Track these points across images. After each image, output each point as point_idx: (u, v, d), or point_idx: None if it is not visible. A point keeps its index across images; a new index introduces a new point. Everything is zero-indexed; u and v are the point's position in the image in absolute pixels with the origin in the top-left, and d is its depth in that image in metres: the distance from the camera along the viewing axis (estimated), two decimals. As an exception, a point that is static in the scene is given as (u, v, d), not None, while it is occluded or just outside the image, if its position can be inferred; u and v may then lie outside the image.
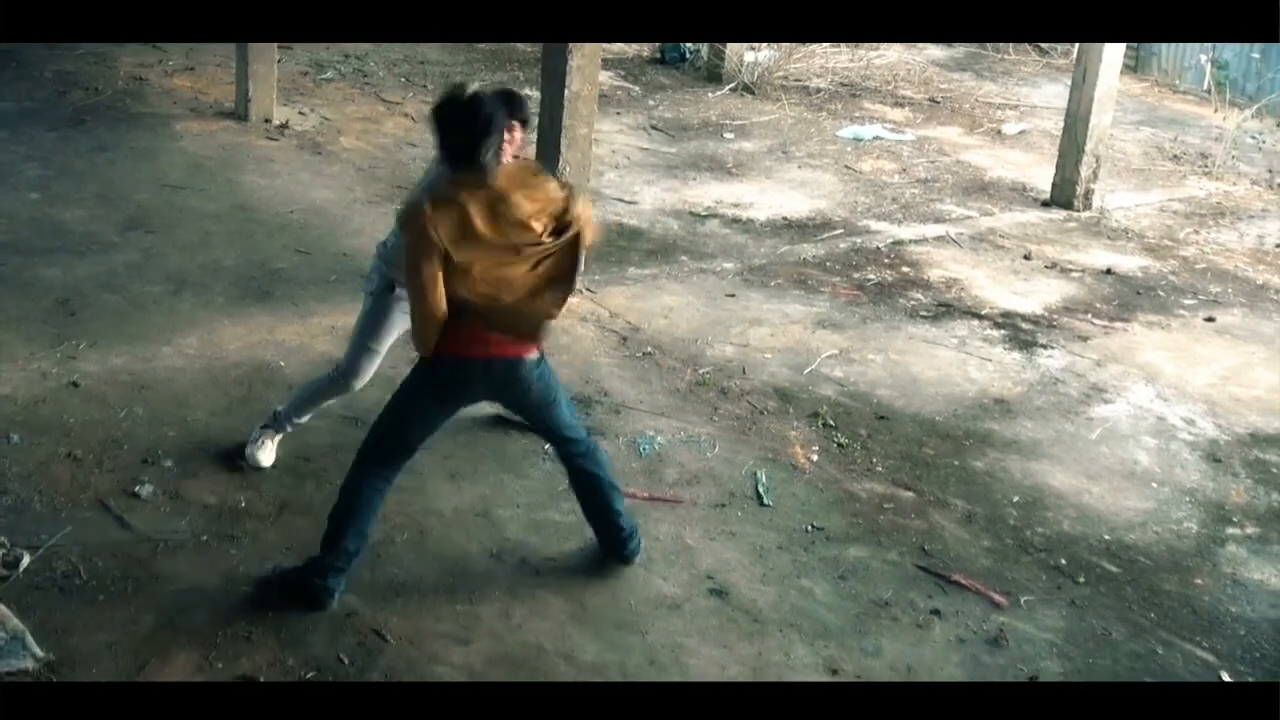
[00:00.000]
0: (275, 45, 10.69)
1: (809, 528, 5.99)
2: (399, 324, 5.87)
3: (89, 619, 4.95)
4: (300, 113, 10.98)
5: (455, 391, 5.17)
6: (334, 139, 10.44)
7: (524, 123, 5.52)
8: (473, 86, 4.95)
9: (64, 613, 4.96)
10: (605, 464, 5.52)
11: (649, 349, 7.50)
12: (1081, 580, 5.80)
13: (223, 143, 10.16)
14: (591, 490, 5.48)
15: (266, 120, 10.62)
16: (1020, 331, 8.23)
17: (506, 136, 5.25)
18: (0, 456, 5.87)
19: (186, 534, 5.50)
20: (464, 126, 4.79)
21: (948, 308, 8.48)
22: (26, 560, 5.17)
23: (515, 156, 5.39)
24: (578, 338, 7.50)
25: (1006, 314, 8.48)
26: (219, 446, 6.13)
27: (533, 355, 5.10)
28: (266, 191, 9.30)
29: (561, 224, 4.94)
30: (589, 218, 5.05)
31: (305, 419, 6.10)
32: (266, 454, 6.03)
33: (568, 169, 7.69)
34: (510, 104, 5.41)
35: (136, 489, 5.73)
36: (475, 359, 5.02)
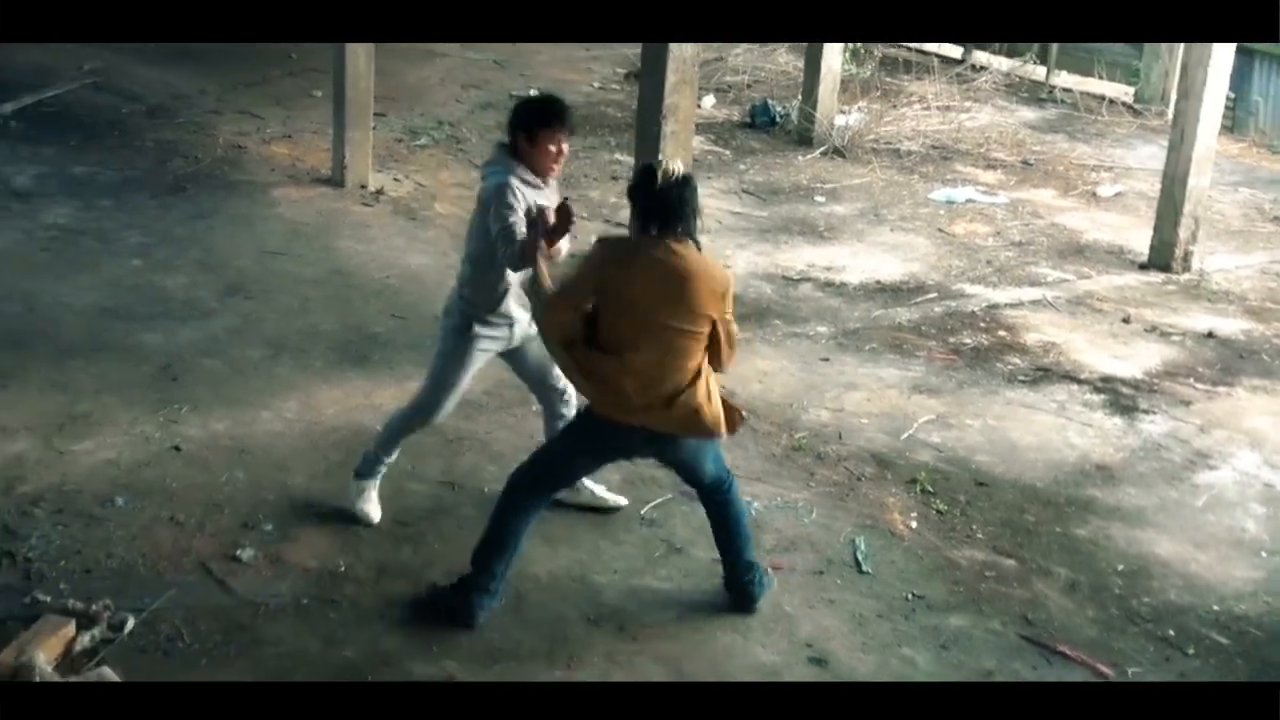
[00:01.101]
0: (371, 112, 10.83)
1: (909, 595, 5.91)
2: (475, 361, 5.95)
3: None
4: (395, 179, 11.10)
5: (614, 450, 5.53)
6: (428, 205, 10.54)
7: (569, 131, 5.74)
8: (674, 165, 5.19)
9: (168, 677, 5.00)
10: (743, 513, 5.72)
11: (744, 414, 7.44)
12: (1191, 652, 5.67)
13: (319, 209, 10.30)
14: (726, 534, 5.66)
15: (362, 186, 10.74)
16: (1121, 396, 8.11)
17: (553, 147, 5.62)
18: (105, 520, 5.95)
19: (287, 598, 5.54)
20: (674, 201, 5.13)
21: (1046, 372, 8.38)
22: (131, 623, 5.22)
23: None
24: (672, 402, 7.47)
25: (1106, 378, 8.36)
26: (318, 510, 6.17)
27: None
28: (363, 257, 9.39)
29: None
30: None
31: (394, 455, 6.15)
32: (374, 506, 6.10)
33: (662, 234, 7.70)
34: (555, 113, 5.68)
35: (238, 553, 5.78)
36: (631, 425, 5.26)
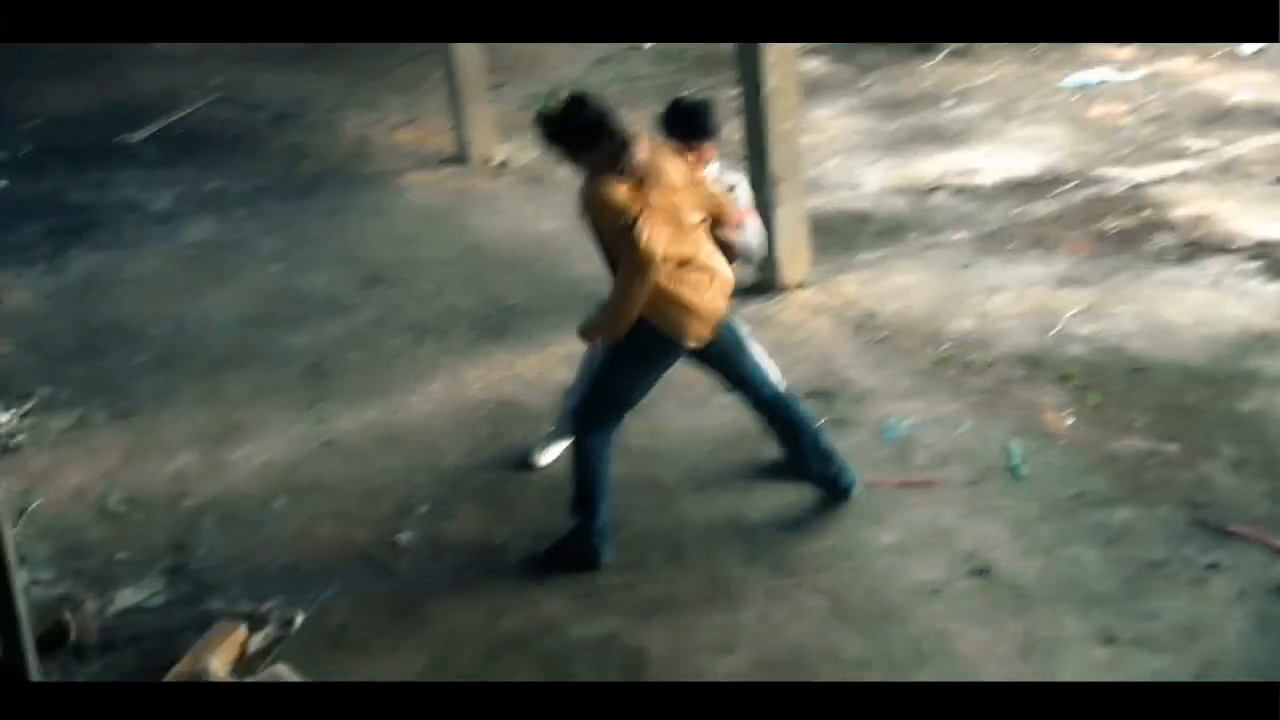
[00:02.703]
0: (484, 87, 10.85)
1: (1070, 494, 5.78)
2: None
3: (364, 669, 5.12)
4: (520, 149, 11.14)
5: (663, 358, 5.56)
6: (553, 169, 10.48)
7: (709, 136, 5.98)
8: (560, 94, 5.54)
9: (341, 665, 5.14)
10: (800, 405, 5.89)
11: (886, 332, 7.36)
12: (1374, 507, 5.47)
13: (448, 189, 10.39)
14: (795, 432, 5.77)
15: (487, 161, 10.79)
16: (1279, 261, 7.80)
17: (689, 154, 5.84)
18: (268, 522, 6.13)
19: (448, 576, 5.63)
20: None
21: (1196, 246, 8.09)
22: (300, 619, 5.37)
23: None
24: (812, 331, 7.40)
25: (1261, 244, 8.04)
26: (472, 486, 6.27)
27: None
28: (494, 231, 9.46)
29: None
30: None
31: None
32: (546, 455, 6.35)
33: (778, 166, 7.63)
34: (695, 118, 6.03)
35: (397, 537, 5.90)
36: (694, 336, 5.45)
